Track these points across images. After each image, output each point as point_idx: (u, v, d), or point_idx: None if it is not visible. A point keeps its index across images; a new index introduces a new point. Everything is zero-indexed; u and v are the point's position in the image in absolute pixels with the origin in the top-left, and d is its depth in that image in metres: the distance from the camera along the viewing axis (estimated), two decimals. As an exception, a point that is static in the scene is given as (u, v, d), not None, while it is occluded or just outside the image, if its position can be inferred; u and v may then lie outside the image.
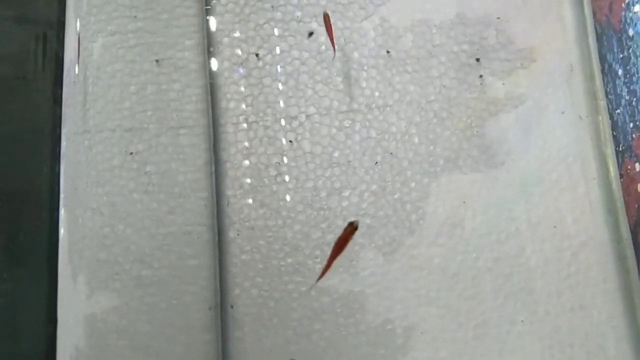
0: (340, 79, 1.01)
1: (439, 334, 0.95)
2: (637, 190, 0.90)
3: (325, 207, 0.98)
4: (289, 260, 0.98)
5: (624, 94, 0.91)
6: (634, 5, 0.87)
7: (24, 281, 1.05)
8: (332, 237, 0.97)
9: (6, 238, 1.05)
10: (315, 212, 0.98)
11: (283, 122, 1.00)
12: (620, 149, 0.94)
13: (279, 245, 0.98)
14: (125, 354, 0.98)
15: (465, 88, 0.99)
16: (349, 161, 0.99)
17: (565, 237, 0.95)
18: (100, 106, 1.04)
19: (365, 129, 0.99)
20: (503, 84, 0.98)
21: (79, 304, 1.01)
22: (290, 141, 1.00)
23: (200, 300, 0.98)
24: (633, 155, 0.90)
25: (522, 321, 0.94)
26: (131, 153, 1.02)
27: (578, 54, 0.99)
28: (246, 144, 1.01)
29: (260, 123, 1.01)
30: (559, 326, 0.94)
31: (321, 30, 1.02)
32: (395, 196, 0.98)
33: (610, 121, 0.96)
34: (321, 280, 0.95)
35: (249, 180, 1.00)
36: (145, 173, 1.01)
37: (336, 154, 0.99)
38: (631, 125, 0.90)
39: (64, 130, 1.09)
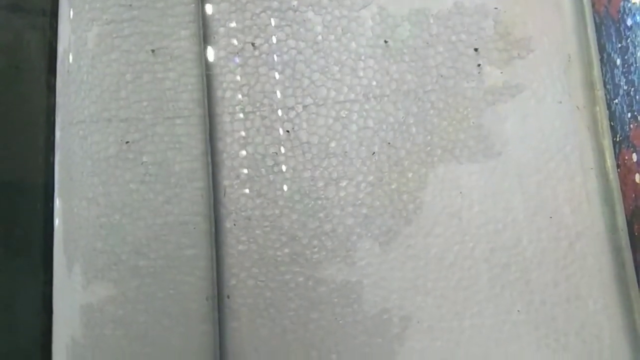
0: (337, 69, 1.00)
1: (436, 323, 0.95)
2: (634, 180, 0.90)
3: (323, 196, 0.98)
4: (286, 250, 0.97)
5: (622, 83, 0.91)
6: (632, -5, 0.87)
7: (19, 272, 1.05)
8: (330, 227, 0.97)
9: (1, 229, 1.05)
10: (312, 202, 0.98)
11: (280, 112, 1.00)
12: (618, 139, 0.94)
13: (276, 235, 0.98)
14: (121, 344, 0.98)
15: (462, 78, 0.99)
16: (346, 152, 0.99)
17: (562, 227, 0.95)
18: (95, 96, 1.03)
19: (363, 119, 0.99)
20: (501, 73, 0.98)
21: (75, 294, 1.01)
22: (287, 131, 1.00)
23: (197, 290, 0.98)
24: (630, 145, 0.90)
25: (518, 311, 0.95)
26: (127, 142, 1.01)
27: (576, 43, 0.99)
28: (243, 133, 1.00)
29: (257, 113, 1.00)
30: (555, 316, 0.94)
31: (317, 19, 1.01)
32: (393, 186, 0.98)
33: (607, 111, 0.97)
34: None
35: (245, 171, 0.99)
36: (142, 163, 1.00)
37: (333, 144, 0.99)
38: (629, 115, 0.90)
39: (58, 120, 1.08)
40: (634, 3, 0.86)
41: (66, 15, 1.09)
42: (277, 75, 1.01)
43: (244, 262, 0.98)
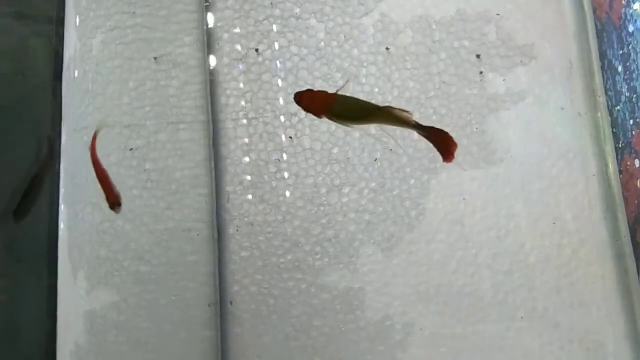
0: (339, 76, 1.00)
1: (439, 330, 0.95)
2: (636, 186, 0.90)
3: (326, 203, 0.98)
4: (289, 257, 0.98)
5: (624, 90, 0.91)
6: (634, 2, 0.87)
7: (24, 277, 1.05)
8: (333, 233, 0.97)
9: (6, 234, 1.05)
10: (315, 208, 0.98)
11: (283, 118, 1.00)
12: (620, 145, 0.94)
13: (279, 241, 0.98)
14: (124, 350, 0.98)
15: (465, 85, 0.99)
16: (348, 158, 0.99)
17: (565, 233, 0.95)
18: (99, 103, 1.04)
19: (365, 125, 0.99)
20: (504, 80, 0.98)
21: (79, 300, 1.01)
22: (291, 137, 1.00)
23: (200, 296, 0.98)
24: (633, 151, 0.90)
25: (521, 317, 0.94)
26: (131, 149, 1.02)
27: (578, 50, 0.99)
28: (246, 140, 1.01)
29: (260, 119, 1.01)
30: (559, 322, 0.94)
31: (320, 26, 1.02)
32: (395, 193, 0.98)
33: (610, 118, 0.96)
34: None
35: (248, 177, 1.00)
36: (145, 170, 1.01)
37: (335, 151, 0.99)
38: (631, 122, 0.90)
39: (63, 127, 1.09)
40: (635, 10, 0.86)
41: (72, 22, 1.10)
42: (280, 82, 1.01)
43: (247, 269, 0.98)
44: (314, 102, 0.81)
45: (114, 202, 0.95)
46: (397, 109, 0.79)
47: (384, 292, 0.96)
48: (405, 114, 0.78)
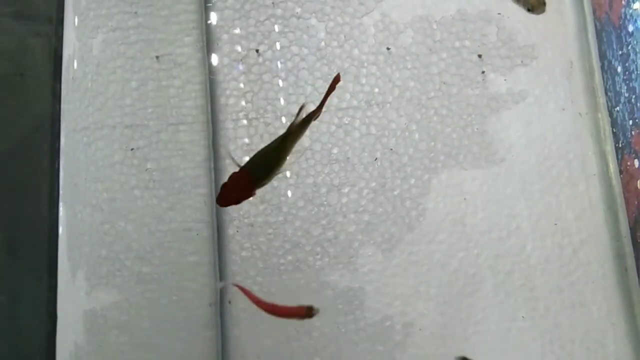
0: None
1: (439, 330, 0.95)
2: (636, 186, 0.90)
3: (326, 203, 0.98)
4: (289, 257, 0.98)
5: (623, 91, 0.91)
6: (634, 2, 0.87)
7: (23, 277, 1.05)
8: (332, 234, 0.97)
9: (6, 234, 1.05)
10: (315, 209, 0.98)
11: (283, 119, 1.00)
12: (620, 145, 0.94)
13: (280, 242, 0.98)
14: (124, 350, 0.98)
15: (466, 84, 0.99)
16: (348, 158, 0.99)
17: (566, 233, 0.95)
18: (99, 103, 1.04)
19: (365, 125, 0.99)
20: (505, 80, 0.98)
21: (78, 300, 1.01)
22: (291, 137, 1.00)
23: (200, 296, 0.98)
24: (632, 151, 0.90)
25: (522, 317, 0.94)
26: (132, 149, 1.01)
27: (578, 50, 0.99)
28: (246, 140, 1.01)
29: (261, 120, 1.01)
30: (560, 322, 0.94)
31: (320, 26, 1.02)
32: (395, 193, 0.98)
33: (609, 118, 0.97)
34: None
35: (249, 177, 1.00)
36: (146, 170, 1.01)
37: (335, 151, 0.99)
38: (630, 122, 0.90)
39: (63, 127, 1.08)
40: (635, 9, 0.86)
41: (71, 22, 1.10)
42: (280, 82, 1.01)
43: (247, 269, 0.98)
44: (235, 188, 0.72)
45: (308, 313, 0.88)
46: (296, 118, 0.72)
47: (384, 292, 0.96)
48: (304, 112, 0.72)
